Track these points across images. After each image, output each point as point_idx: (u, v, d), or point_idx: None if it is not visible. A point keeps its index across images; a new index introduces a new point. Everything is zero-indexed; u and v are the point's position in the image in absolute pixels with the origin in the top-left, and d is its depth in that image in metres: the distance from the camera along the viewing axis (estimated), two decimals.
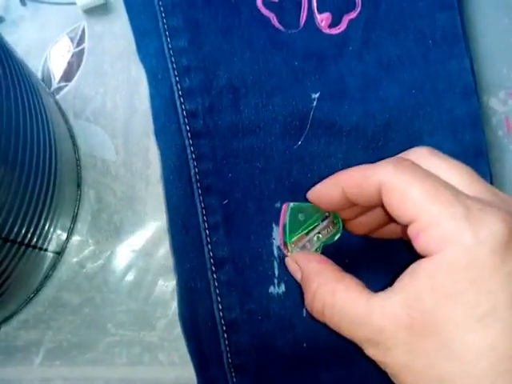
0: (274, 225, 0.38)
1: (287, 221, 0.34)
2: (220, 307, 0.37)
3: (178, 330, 0.37)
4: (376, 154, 0.39)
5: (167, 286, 0.39)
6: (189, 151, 0.38)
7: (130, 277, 0.39)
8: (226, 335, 0.37)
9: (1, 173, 0.28)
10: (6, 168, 0.29)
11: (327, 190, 0.32)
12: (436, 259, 0.24)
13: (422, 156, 0.29)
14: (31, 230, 0.33)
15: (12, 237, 0.31)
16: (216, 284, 0.37)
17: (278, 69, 0.40)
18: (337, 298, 0.27)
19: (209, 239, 0.37)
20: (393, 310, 0.25)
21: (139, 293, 0.38)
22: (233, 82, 0.39)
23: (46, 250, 0.36)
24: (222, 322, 0.37)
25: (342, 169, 0.38)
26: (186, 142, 0.38)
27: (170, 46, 0.39)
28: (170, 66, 0.39)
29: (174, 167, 0.38)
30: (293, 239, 0.34)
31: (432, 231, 0.24)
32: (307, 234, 0.34)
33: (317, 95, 0.39)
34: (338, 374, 0.37)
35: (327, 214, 0.35)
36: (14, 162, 0.30)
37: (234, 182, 0.38)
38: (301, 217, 0.34)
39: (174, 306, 0.38)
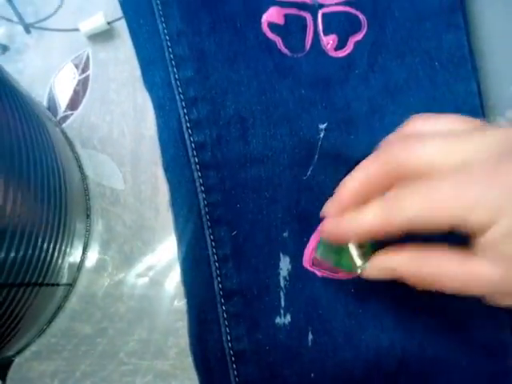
0: (281, 254, 0.38)
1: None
2: (229, 338, 0.38)
3: (189, 359, 0.38)
4: None
5: (179, 314, 0.39)
6: (198, 184, 0.38)
7: (141, 306, 0.39)
8: (234, 366, 0.37)
9: (16, 216, 0.29)
10: (19, 208, 0.29)
11: (347, 192, 0.32)
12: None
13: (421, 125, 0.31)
14: (44, 268, 0.33)
15: (26, 280, 0.31)
16: (225, 316, 0.38)
17: (284, 98, 0.40)
18: (442, 266, 0.29)
19: (218, 272, 0.38)
20: None
21: (151, 322, 0.39)
22: (240, 113, 0.39)
23: (58, 284, 0.36)
24: (231, 352, 0.38)
25: None
26: (195, 174, 0.38)
27: (176, 76, 0.39)
28: (177, 97, 0.39)
29: (183, 200, 0.38)
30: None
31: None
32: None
33: (324, 125, 0.39)
34: None
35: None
36: (26, 201, 0.30)
37: (242, 212, 0.39)
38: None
39: (183, 333, 0.38)
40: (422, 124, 0.32)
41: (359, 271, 0.34)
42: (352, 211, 0.31)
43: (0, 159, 0.29)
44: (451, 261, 0.29)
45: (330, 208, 0.33)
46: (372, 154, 0.31)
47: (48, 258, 0.33)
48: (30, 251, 0.31)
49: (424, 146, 0.29)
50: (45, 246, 0.32)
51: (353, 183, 0.31)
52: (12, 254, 0.29)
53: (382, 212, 0.29)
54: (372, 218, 0.29)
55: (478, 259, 0.28)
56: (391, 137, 0.33)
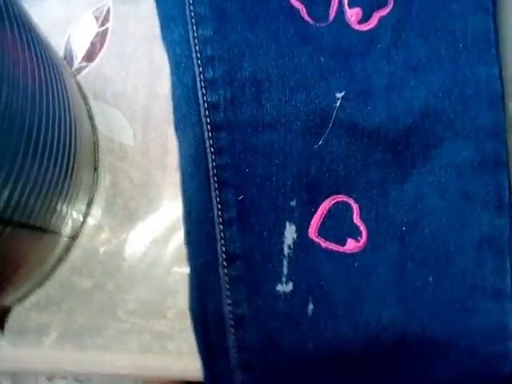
0: (287, 223, 0.38)
1: None
2: (229, 302, 0.37)
3: (188, 321, 0.37)
4: (394, 157, 0.39)
5: (179, 275, 0.39)
6: (208, 144, 0.37)
7: (142, 264, 0.39)
8: (233, 330, 0.37)
9: (24, 155, 0.28)
10: (29, 150, 0.29)
11: None
12: None
13: None
14: (48, 214, 0.33)
15: (30, 222, 0.31)
16: (226, 279, 0.37)
17: (303, 64, 0.39)
18: None
19: (222, 234, 0.37)
20: None
21: (151, 281, 0.39)
22: (256, 75, 0.38)
23: (61, 233, 0.36)
24: (231, 316, 0.37)
25: (360, 171, 0.38)
26: (206, 134, 0.37)
27: (195, 34, 0.38)
28: (194, 55, 0.38)
29: (192, 159, 0.38)
30: None
31: None
32: None
33: (341, 94, 0.39)
34: (341, 375, 0.37)
35: None
36: (36, 145, 0.30)
37: (250, 177, 0.38)
38: None
39: (185, 296, 0.38)
40: None
41: None
42: None
43: (15, 98, 0.28)
44: None
45: None
46: None
47: (52, 204, 0.33)
48: (34, 193, 0.30)
49: None
50: (50, 191, 0.32)
51: None
52: (16, 193, 0.28)
53: None
54: None
55: None
56: None
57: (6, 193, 0.27)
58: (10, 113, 0.27)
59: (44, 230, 0.33)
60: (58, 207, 0.34)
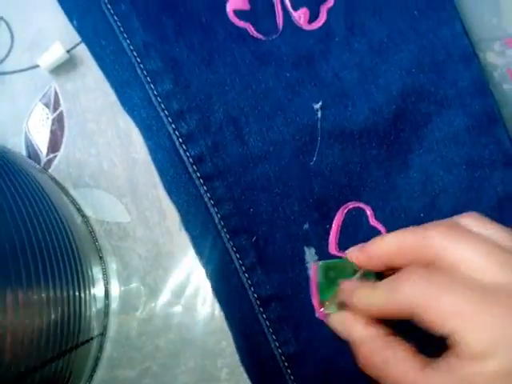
0: (305, 248, 0.37)
1: (320, 279, 0.36)
2: (277, 344, 0.36)
3: (243, 375, 0.37)
4: (390, 148, 0.38)
5: (220, 334, 0.37)
6: (206, 198, 0.36)
7: (180, 336, 0.37)
8: (289, 371, 0.36)
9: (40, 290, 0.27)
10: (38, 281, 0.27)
11: (378, 250, 0.32)
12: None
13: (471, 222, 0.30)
14: (75, 329, 0.32)
15: (62, 348, 0.30)
16: (267, 323, 0.36)
17: (271, 86, 0.37)
18: (389, 368, 0.28)
19: (250, 282, 0.36)
20: None
21: (194, 349, 0.37)
22: (230, 113, 0.37)
23: (91, 338, 0.35)
24: (283, 358, 0.36)
25: (362, 173, 0.37)
26: (201, 189, 0.36)
27: (155, 92, 0.36)
28: (161, 113, 0.36)
29: (196, 219, 0.36)
30: (329, 296, 0.35)
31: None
32: None
33: (318, 105, 0.37)
34: None
35: (356, 268, 0.34)
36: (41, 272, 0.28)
37: (257, 216, 0.37)
38: (331, 274, 0.35)
39: (230, 351, 0.37)
40: (472, 221, 0.30)
41: (323, 309, 0.36)
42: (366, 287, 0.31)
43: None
44: (406, 367, 0.28)
45: (355, 253, 0.34)
46: (417, 227, 0.31)
47: (76, 317, 0.32)
48: (57, 318, 0.29)
49: (466, 246, 0.28)
50: (70, 308, 0.30)
51: (385, 244, 0.32)
52: (44, 327, 0.27)
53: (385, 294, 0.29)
54: (377, 300, 0.30)
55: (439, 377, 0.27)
56: (442, 221, 0.31)
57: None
58: None
59: (77, 346, 0.32)
60: (81, 316, 0.32)
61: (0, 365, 0.24)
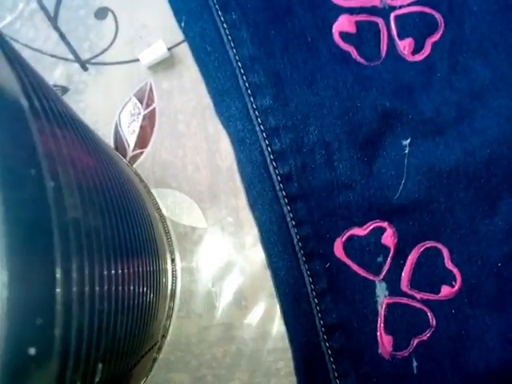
0: (376, 282, 0.36)
1: None
2: (336, 375, 0.36)
3: None
4: (478, 192, 0.37)
5: (278, 353, 0.37)
6: (288, 218, 0.36)
7: (238, 349, 0.37)
8: None
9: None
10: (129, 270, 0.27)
11: None
12: None
13: None
14: (150, 333, 0.32)
15: (141, 353, 0.30)
16: (329, 352, 0.36)
17: (367, 116, 0.37)
18: None
19: (318, 308, 0.36)
20: None
21: (250, 364, 0.37)
22: (324, 137, 0.36)
23: (155, 344, 0.35)
24: None
25: (445, 214, 0.37)
26: (285, 209, 0.36)
27: (254, 106, 0.36)
28: (257, 128, 0.36)
29: (276, 237, 0.36)
30: None
31: None
32: None
33: (407, 141, 0.37)
34: None
35: None
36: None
37: (332, 242, 0.36)
38: None
39: (286, 372, 0.37)
40: None
41: None
42: None
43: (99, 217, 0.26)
44: None
45: None
46: None
47: (151, 320, 0.32)
48: (138, 322, 0.29)
49: None
50: (149, 311, 0.30)
51: None
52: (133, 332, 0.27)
53: None
54: None
55: None
56: None
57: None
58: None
59: (150, 349, 0.32)
60: (155, 319, 0.32)
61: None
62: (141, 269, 0.30)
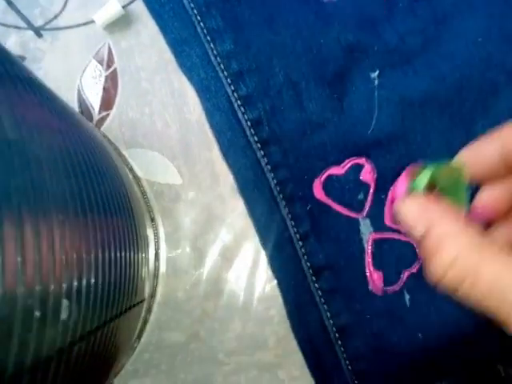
0: (360, 219, 0.36)
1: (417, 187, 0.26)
2: (329, 315, 0.36)
3: (290, 345, 0.36)
4: (453, 118, 0.37)
5: (270, 301, 0.37)
6: (263, 163, 0.35)
7: (228, 302, 0.37)
8: (340, 342, 0.36)
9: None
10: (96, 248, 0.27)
11: (481, 149, 0.27)
12: None
13: None
14: (131, 290, 0.31)
15: (119, 310, 0.29)
16: (320, 293, 0.36)
17: (332, 50, 0.36)
18: (484, 269, 0.21)
19: (303, 250, 0.35)
20: None
21: (242, 315, 0.37)
22: (290, 77, 0.36)
23: (143, 300, 0.34)
24: (334, 329, 0.36)
25: (421, 143, 0.36)
26: (258, 153, 0.35)
27: (215, 52, 0.35)
28: (221, 74, 0.35)
29: (253, 184, 0.35)
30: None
31: None
32: None
33: (376, 73, 0.36)
34: (463, 354, 0.36)
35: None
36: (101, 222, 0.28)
37: (311, 184, 0.36)
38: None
39: (279, 319, 0.37)
40: None
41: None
42: None
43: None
44: None
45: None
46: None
47: (132, 278, 0.31)
48: (116, 279, 0.28)
49: None
50: (127, 269, 0.30)
51: None
52: (105, 287, 0.26)
53: None
54: None
55: None
56: None
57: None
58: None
59: (131, 307, 0.31)
60: (137, 277, 0.32)
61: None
62: (117, 229, 0.30)
